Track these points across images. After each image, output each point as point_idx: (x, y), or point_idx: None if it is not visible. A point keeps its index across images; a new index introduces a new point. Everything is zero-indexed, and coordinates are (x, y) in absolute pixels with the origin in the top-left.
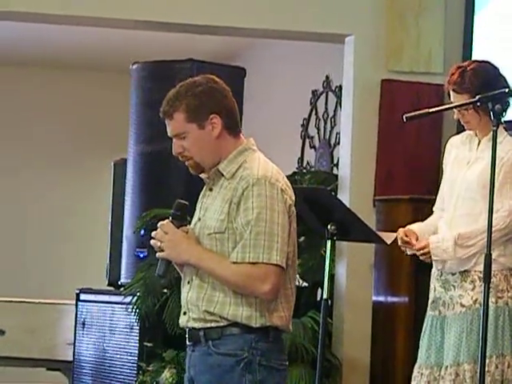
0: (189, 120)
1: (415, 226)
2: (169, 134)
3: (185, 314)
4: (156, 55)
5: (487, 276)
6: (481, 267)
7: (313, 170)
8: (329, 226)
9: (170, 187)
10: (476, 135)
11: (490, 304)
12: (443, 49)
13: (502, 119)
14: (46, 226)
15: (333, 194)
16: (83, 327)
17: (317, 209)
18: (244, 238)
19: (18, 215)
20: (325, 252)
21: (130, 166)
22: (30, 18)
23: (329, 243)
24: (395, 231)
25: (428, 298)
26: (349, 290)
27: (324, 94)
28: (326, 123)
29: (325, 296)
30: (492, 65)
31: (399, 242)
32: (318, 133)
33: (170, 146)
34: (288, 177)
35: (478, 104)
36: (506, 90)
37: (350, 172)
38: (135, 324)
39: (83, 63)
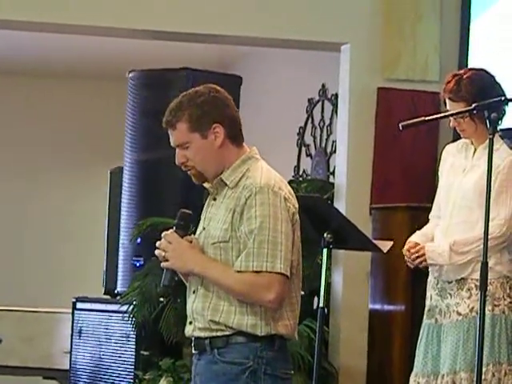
0: (191, 130)
1: (414, 239)
2: (172, 144)
3: (190, 323)
4: (152, 64)
5: (483, 284)
6: (477, 275)
7: (309, 178)
8: (325, 235)
9: (167, 195)
10: (472, 143)
11: (487, 312)
12: (439, 57)
13: (498, 127)
14: (43, 235)
15: (329, 202)
16: (80, 336)
17: (313, 217)
18: (247, 247)
19: (14, 225)
20: (321, 260)
21: (126, 175)
22: (26, 26)
23: (325, 251)
24: (391, 239)
25: (424, 306)
26: (345, 299)
27: (320, 103)
28: (322, 131)
29: (321, 304)
30: (488, 73)
31: (412, 257)
32: (315, 141)
33: (165, 155)
34: None
35: (475, 112)
36: (502, 99)
37: (346, 180)
38: (132, 333)
39: (80, 72)
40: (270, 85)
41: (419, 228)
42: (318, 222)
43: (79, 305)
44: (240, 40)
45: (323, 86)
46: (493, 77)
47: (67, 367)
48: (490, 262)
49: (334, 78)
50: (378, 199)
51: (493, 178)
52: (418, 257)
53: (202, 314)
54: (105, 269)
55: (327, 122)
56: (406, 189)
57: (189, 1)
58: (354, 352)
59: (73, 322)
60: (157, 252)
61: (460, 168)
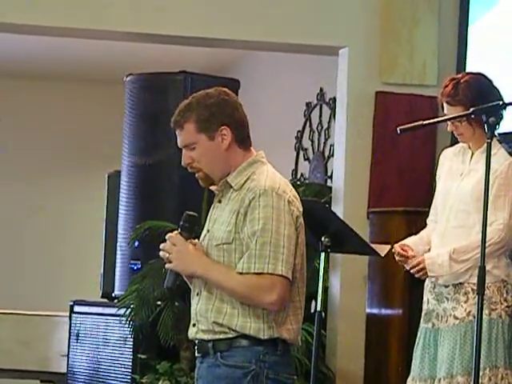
0: (199, 131)
1: (409, 241)
2: (179, 145)
3: (194, 325)
4: (150, 67)
5: (481, 288)
6: (474, 279)
7: (307, 182)
8: (323, 238)
9: (164, 199)
10: (469, 147)
11: (484, 316)
12: (437, 61)
13: (496, 132)
14: (41, 238)
15: (327, 206)
16: (77, 339)
17: (311, 221)
18: (250, 249)
19: (12, 228)
20: (319, 264)
21: (123, 178)
22: (25, 30)
23: (323, 255)
24: (389, 243)
25: (421, 311)
26: (343, 302)
27: (318, 106)
28: (320, 135)
29: (318, 308)
30: (485, 77)
31: (396, 257)
32: (312, 145)
33: (163, 158)
34: None
35: (472, 116)
36: (501, 103)
37: (343, 184)
38: (129, 336)
39: (77, 75)
40: (268, 88)
41: (417, 232)
42: (315, 225)
43: (77, 308)
44: (238, 44)
45: (321, 89)
46: (490, 81)
47: (64, 370)
48: (488, 266)
49: (332, 82)
50: (376, 203)
51: (490, 183)
52: (418, 271)
53: (205, 316)
54: (102, 272)
55: (325, 125)
56: (404, 193)
57: (187, 4)
58: (351, 356)
59: (70, 326)
60: (161, 253)
61: (457, 172)
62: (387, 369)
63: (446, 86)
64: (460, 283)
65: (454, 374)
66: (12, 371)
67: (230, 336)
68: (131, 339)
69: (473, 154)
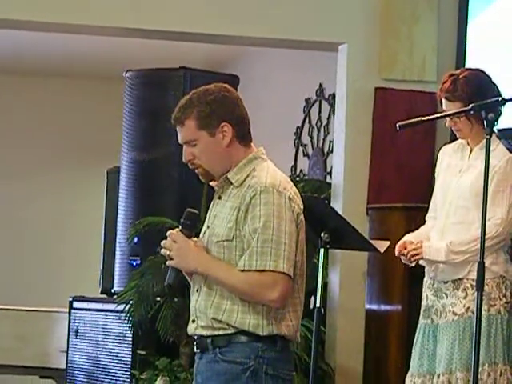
0: (200, 127)
1: (410, 236)
2: (179, 141)
3: (193, 321)
4: (149, 63)
5: (480, 284)
6: (473, 275)
7: (306, 178)
8: (322, 235)
9: (163, 195)
10: (468, 144)
11: (483, 312)
12: (437, 57)
13: (495, 128)
14: (39, 234)
15: (326, 202)
16: (76, 335)
17: (310, 217)
18: (251, 246)
19: (11, 223)
20: (318, 260)
21: (123, 174)
22: (23, 26)
23: (322, 251)
24: (388, 239)
25: (420, 307)
26: (342, 299)
27: (317, 102)
28: (319, 131)
29: (318, 304)
30: (484, 73)
31: (396, 253)
32: (312, 141)
33: (162, 154)
34: None
35: (472, 112)
36: (500, 99)
37: (343, 180)
38: (128, 332)
39: (76, 71)
40: (268, 84)
41: (416, 228)
42: (315, 221)
43: (76, 304)
44: (237, 40)
45: (320, 85)
46: (489, 77)
47: (64, 366)
48: (486, 262)
49: (331, 78)
50: (375, 199)
51: (489, 178)
52: (414, 249)
53: (204, 312)
54: (101, 268)
55: (324, 121)
56: (403, 189)
57: (187, 0)
58: (350, 352)
59: (69, 321)
60: (162, 251)
61: (456, 168)
62: (386, 365)
63: (445, 82)
64: (459, 279)
65: (452, 369)
66: (11, 367)
67: (229, 332)
68: (130, 335)
69: (471, 151)
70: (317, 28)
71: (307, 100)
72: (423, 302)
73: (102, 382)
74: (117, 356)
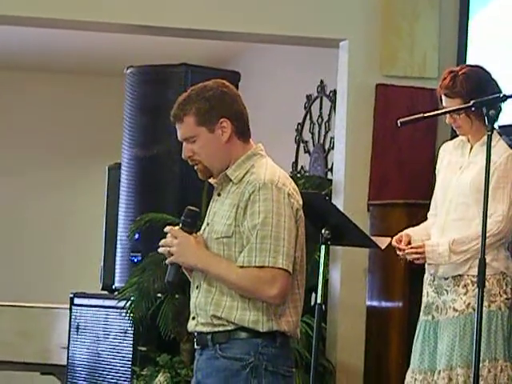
0: (199, 124)
1: (410, 230)
2: (179, 138)
3: (193, 318)
4: (150, 59)
5: (481, 281)
6: (473, 271)
7: (307, 174)
8: (323, 231)
9: (164, 192)
10: (468, 140)
11: (483, 308)
12: (437, 54)
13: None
14: (40, 231)
15: (327, 198)
16: (77, 331)
17: (311, 213)
18: (250, 243)
19: (11, 219)
20: (319, 257)
21: (124, 171)
22: (23, 22)
23: (323, 248)
24: (389, 236)
25: (421, 303)
26: (343, 295)
27: (318, 99)
28: (320, 128)
29: (319, 301)
30: (484, 69)
31: (393, 242)
32: (313, 137)
33: (163, 151)
34: None
35: (473, 109)
36: (501, 95)
37: (344, 177)
38: (129, 328)
39: (77, 67)
40: (269, 81)
41: (417, 225)
42: (316, 218)
43: (77, 300)
44: (238, 36)
45: (321, 82)
46: (489, 73)
47: (65, 363)
48: (487, 259)
49: (332, 75)
50: (376, 196)
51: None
52: (416, 253)
53: (204, 309)
54: (102, 264)
55: (325, 118)
56: (404, 185)
57: None
58: (351, 348)
59: (70, 318)
60: (161, 249)
61: (457, 165)
62: (387, 361)
63: (444, 79)
64: (459, 275)
65: (453, 366)
66: (12, 363)
67: (229, 328)
68: (131, 331)
69: (472, 147)
70: (318, 24)
71: (308, 96)
72: (424, 299)
73: (103, 378)
74: (118, 352)
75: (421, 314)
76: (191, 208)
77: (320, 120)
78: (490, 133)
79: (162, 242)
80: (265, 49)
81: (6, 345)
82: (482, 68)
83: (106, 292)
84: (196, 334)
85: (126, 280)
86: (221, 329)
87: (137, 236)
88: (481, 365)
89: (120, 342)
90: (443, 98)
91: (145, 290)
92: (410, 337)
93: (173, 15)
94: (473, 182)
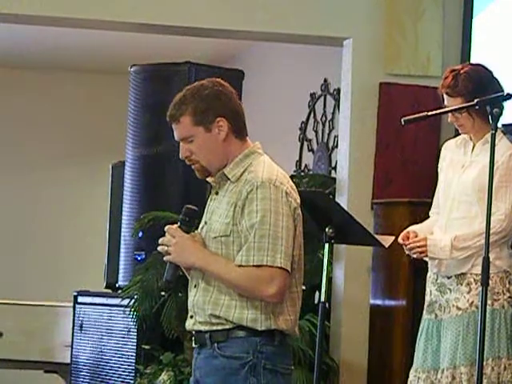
0: (195, 123)
1: (414, 227)
2: (176, 138)
3: (191, 317)
4: (154, 58)
5: (485, 280)
6: (477, 270)
7: (311, 173)
8: (327, 229)
9: (168, 190)
10: (470, 139)
11: (487, 307)
12: (442, 52)
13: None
14: (44, 228)
15: (331, 197)
16: (81, 329)
17: (315, 212)
18: (248, 241)
19: (16, 217)
20: (323, 255)
21: (128, 169)
22: (28, 20)
23: (327, 246)
24: (393, 234)
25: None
26: (346, 293)
27: (322, 97)
28: (324, 126)
29: (322, 299)
30: (485, 68)
31: (398, 240)
32: (316, 136)
33: (167, 149)
34: None
35: (477, 107)
36: (505, 94)
37: (348, 175)
38: (133, 327)
39: (81, 65)
40: (272, 79)
41: (421, 223)
42: (319, 216)
43: (80, 298)
44: (242, 34)
45: (325, 80)
46: (490, 72)
47: (68, 361)
48: (490, 257)
49: (336, 73)
50: (380, 194)
51: None
52: (418, 247)
53: (202, 308)
54: (106, 262)
55: (329, 116)
56: (408, 184)
57: None
58: (355, 347)
59: (74, 316)
60: (159, 248)
61: (459, 164)
62: (391, 359)
63: (446, 78)
64: (462, 274)
65: (457, 364)
66: (16, 361)
67: (227, 327)
68: (135, 330)
69: (474, 146)
70: (322, 23)
71: (312, 95)
72: (427, 298)
73: (107, 376)
74: (121, 350)
75: (424, 312)
76: (190, 206)
77: (324, 118)
78: (494, 131)
79: (161, 240)
80: (268, 47)
81: (9, 343)
82: (483, 66)
83: (109, 290)
84: (194, 332)
85: (129, 278)
86: (219, 327)
87: (140, 234)
88: (484, 363)
89: (123, 341)
90: (445, 96)
91: (148, 289)
92: (414, 335)
93: (176, 14)
94: (475, 180)
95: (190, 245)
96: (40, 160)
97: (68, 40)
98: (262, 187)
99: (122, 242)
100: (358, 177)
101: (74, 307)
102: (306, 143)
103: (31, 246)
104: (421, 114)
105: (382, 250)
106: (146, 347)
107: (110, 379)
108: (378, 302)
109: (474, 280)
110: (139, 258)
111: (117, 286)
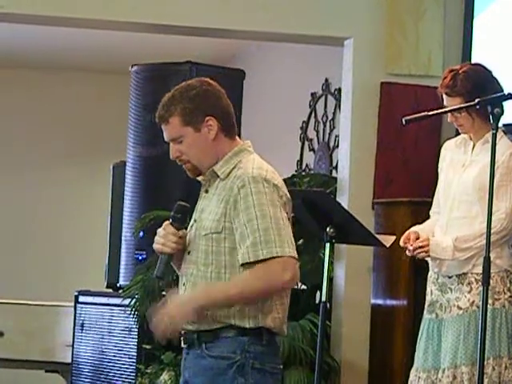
0: (185, 123)
1: (416, 228)
2: (165, 139)
3: None
4: (155, 57)
5: (486, 279)
6: (478, 269)
7: (312, 172)
8: (328, 229)
9: (169, 190)
10: (470, 138)
11: (488, 306)
12: (442, 52)
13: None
14: (45, 228)
15: (332, 196)
16: (82, 329)
17: (316, 211)
18: (253, 237)
19: (16, 217)
20: (323, 255)
21: (129, 169)
22: (29, 19)
23: (328, 246)
24: (394, 234)
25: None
26: (347, 293)
27: (323, 97)
28: (325, 126)
29: (323, 299)
30: (484, 67)
31: (401, 243)
32: (317, 135)
33: (168, 149)
34: (287, 179)
35: (478, 107)
36: (506, 94)
37: (348, 175)
38: (134, 326)
39: (82, 65)
40: (273, 79)
41: (422, 223)
42: (320, 216)
43: (81, 298)
44: (243, 34)
45: (326, 80)
46: (489, 71)
47: (69, 361)
48: (491, 256)
49: (337, 73)
50: (381, 194)
51: None
52: (421, 247)
53: None
54: (107, 262)
55: (330, 116)
56: (409, 183)
57: None
58: (356, 346)
59: (75, 316)
60: (154, 245)
61: (459, 163)
62: (392, 359)
63: (445, 78)
64: (463, 273)
65: (458, 364)
66: (17, 361)
67: (215, 327)
68: (136, 329)
69: (474, 145)
70: (323, 22)
71: (313, 94)
72: (427, 297)
73: (108, 376)
74: (122, 350)
75: (424, 312)
76: (181, 203)
77: (325, 118)
78: (494, 131)
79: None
80: (269, 47)
81: (10, 343)
82: (482, 66)
83: (110, 290)
84: (183, 332)
85: (130, 278)
86: (206, 327)
87: (141, 234)
88: (485, 362)
89: (124, 340)
90: (444, 97)
91: (149, 288)
92: (415, 335)
93: (177, 13)
94: (476, 179)
95: (183, 298)
96: (41, 160)
97: (69, 40)
98: (254, 182)
99: (123, 241)
100: (359, 176)
101: (75, 307)
102: (306, 143)
103: (32, 245)
104: (421, 114)
105: (383, 250)
106: (147, 347)
107: (111, 379)
108: (379, 301)
109: (475, 279)
110: (140, 258)
111: (118, 285)
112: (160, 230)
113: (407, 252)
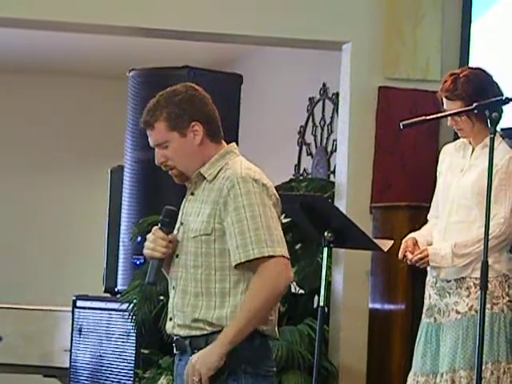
0: (170, 129)
1: (414, 234)
2: (151, 144)
3: (170, 319)
4: (153, 62)
5: (484, 284)
6: (476, 274)
7: (310, 177)
8: (325, 233)
9: (167, 194)
10: (470, 143)
11: (486, 310)
12: (440, 56)
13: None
14: (43, 233)
15: (329, 201)
16: (80, 334)
17: (313, 216)
18: (244, 237)
19: (14, 222)
20: (321, 259)
21: (126, 173)
22: (26, 24)
23: (325, 250)
24: (392, 238)
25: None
26: (345, 297)
27: (321, 101)
28: (322, 130)
29: (321, 303)
30: (484, 71)
31: (399, 256)
32: (315, 140)
33: None
34: (285, 184)
35: (476, 111)
36: (504, 98)
37: (346, 179)
38: (132, 331)
39: (80, 70)
40: (271, 83)
41: (420, 227)
42: (318, 220)
43: (79, 303)
44: (240, 39)
45: (324, 84)
46: (490, 76)
47: (67, 365)
48: (489, 261)
49: (335, 77)
50: (379, 198)
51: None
52: (421, 258)
53: (181, 311)
54: (105, 267)
55: (328, 120)
56: (407, 188)
57: None
58: (354, 351)
59: (73, 320)
60: (144, 251)
61: (458, 168)
62: (390, 363)
63: (445, 81)
64: (462, 278)
65: (456, 368)
66: (15, 366)
67: (206, 332)
68: (134, 334)
69: (473, 150)
70: (321, 27)
71: (311, 99)
72: (426, 301)
73: (106, 380)
74: (120, 355)
75: (423, 316)
76: (169, 208)
77: (322, 122)
78: (492, 135)
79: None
80: (267, 51)
81: (8, 347)
82: (482, 70)
83: (108, 294)
84: (174, 337)
85: (128, 282)
86: (198, 333)
87: (139, 238)
88: (483, 367)
89: (122, 345)
90: (444, 100)
91: (147, 293)
92: (413, 339)
93: (175, 18)
94: (474, 184)
95: (202, 353)
96: (39, 164)
97: (67, 44)
98: (243, 182)
99: (121, 246)
100: (357, 181)
101: (73, 311)
102: (304, 147)
103: (30, 249)
104: (419, 118)
105: (381, 254)
106: (145, 351)
107: (109, 383)
108: (377, 305)
109: (474, 284)
110: (138, 263)
111: (116, 290)
112: (149, 236)
113: (408, 261)
